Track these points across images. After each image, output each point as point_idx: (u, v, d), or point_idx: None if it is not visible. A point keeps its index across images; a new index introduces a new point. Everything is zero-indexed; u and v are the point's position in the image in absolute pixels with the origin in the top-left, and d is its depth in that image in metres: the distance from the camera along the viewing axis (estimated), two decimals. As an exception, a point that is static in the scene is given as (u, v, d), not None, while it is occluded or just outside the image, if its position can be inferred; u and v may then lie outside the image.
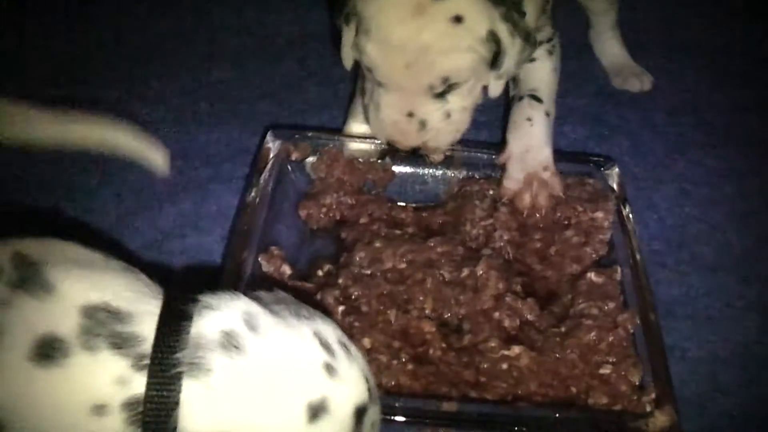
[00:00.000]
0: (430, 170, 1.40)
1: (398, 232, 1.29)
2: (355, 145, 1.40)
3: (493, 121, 1.58)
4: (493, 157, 1.39)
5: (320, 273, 1.23)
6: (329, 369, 0.76)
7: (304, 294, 1.16)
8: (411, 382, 1.08)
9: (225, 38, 1.85)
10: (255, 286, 1.13)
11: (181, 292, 0.78)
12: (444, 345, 1.13)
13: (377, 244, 1.24)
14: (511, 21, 1.22)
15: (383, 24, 1.20)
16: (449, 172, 1.40)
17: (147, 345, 0.74)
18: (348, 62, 1.31)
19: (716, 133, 1.67)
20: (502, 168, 1.37)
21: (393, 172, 1.40)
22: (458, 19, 1.19)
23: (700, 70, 1.83)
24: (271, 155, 1.35)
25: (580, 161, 1.42)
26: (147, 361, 0.73)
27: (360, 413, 0.77)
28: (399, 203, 1.38)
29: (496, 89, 1.31)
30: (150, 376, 0.72)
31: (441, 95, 1.25)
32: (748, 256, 1.42)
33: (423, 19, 1.18)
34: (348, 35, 1.27)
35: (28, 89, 1.61)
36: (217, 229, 1.36)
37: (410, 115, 1.26)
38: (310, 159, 1.38)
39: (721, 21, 1.98)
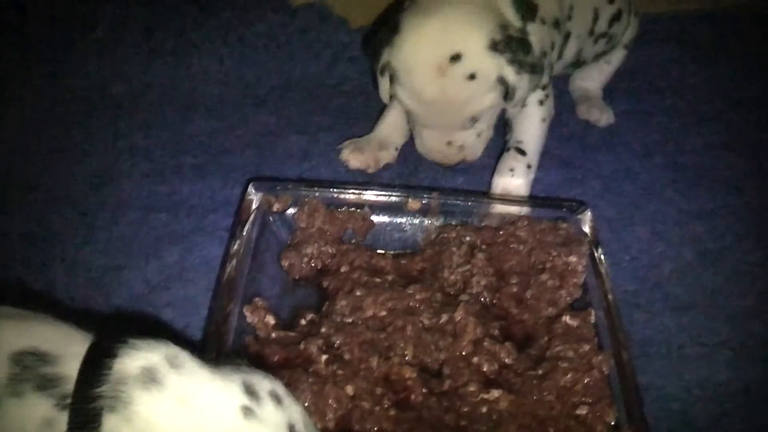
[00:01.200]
0: (408, 218, 1.44)
1: (378, 280, 1.31)
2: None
3: (467, 168, 1.62)
4: (469, 204, 1.44)
5: (303, 322, 1.26)
6: (247, 412, 0.77)
7: (288, 343, 1.20)
8: (394, 428, 1.11)
9: (206, 88, 1.86)
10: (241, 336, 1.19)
11: (111, 335, 0.78)
12: (425, 390, 1.15)
13: (358, 293, 1.26)
14: (517, 62, 1.41)
15: (414, 84, 1.42)
16: (426, 220, 1.43)
17: (71, 384, 0.74)
18: (387, 100, 1.53)
19: (685, 174, 1.70)
20: None
21: (372, 221, 1.43)
22: (472, 77, 1.39)
23: (669, 111, 1.86)
24: (253, 207, 1.38)
25: (554, 206, 1.45)
26: (70, 400, 0.73)
27: None
28: (378, 251, 1.41)
29: (515, 111, 1.56)
30: (71, 414, 0.73)
31: (471, 125, 1.48)
32: (719, 294, 1.44)
33: (445, 80, 1.39)
34: (384, 84, 1.48)
35: (6, 141, 1.64)
36: (202, 280, 1.37)
37: (449, 143, 1.51)
38: (291, 210, 1.41)
39: (688, 62, 2.02)
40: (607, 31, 1.68)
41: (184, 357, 0.78)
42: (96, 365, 0.75)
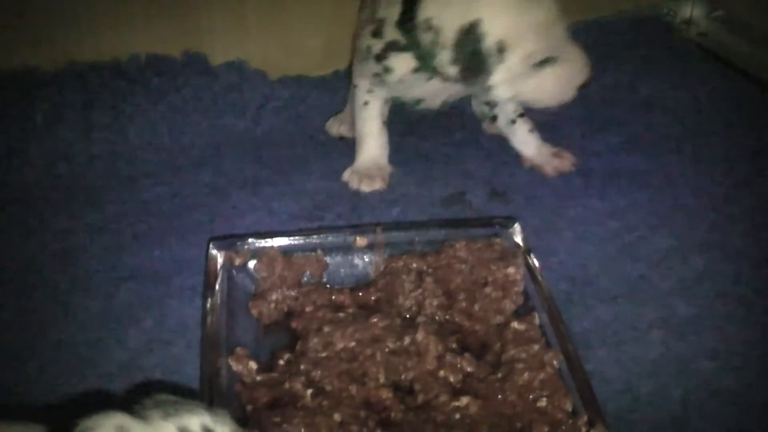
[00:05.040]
0: (358, 254, 1.55)
1: (341, 314, 1.41)
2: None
3: (398, 198, 1.76)
4: (411, 233, 1.57)
5: (281, 362, 1.35)
6: None
7: (273, 384, 1.30)
8: (382, 445, 1.22)
9: (145, 156, 1.93)
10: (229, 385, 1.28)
11: (63, 423, 0.85)
12: (402, 407, 1.26)
13: (326, 329, 1.36)
14: None
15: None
16: (374, 255, 1.54)
17: None
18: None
19: (594, 177, 1.84)
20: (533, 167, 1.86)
21: (326, 261, 1.53)
22: None
23: (571, 120, 1.99)
24: (219, 265, 1.47)
25: (486, 225, 1.57)
26: None
27: None
28: (336, 287, 1.51)
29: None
30: None
31: None
32: (643, 282, 1.57)
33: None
34: (503, 67, 1.62)
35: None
36: (181, 339, 1.44)
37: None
38: (252, 262, 1.51)
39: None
40: None
41: (129, 422, 0.85)
42: None
